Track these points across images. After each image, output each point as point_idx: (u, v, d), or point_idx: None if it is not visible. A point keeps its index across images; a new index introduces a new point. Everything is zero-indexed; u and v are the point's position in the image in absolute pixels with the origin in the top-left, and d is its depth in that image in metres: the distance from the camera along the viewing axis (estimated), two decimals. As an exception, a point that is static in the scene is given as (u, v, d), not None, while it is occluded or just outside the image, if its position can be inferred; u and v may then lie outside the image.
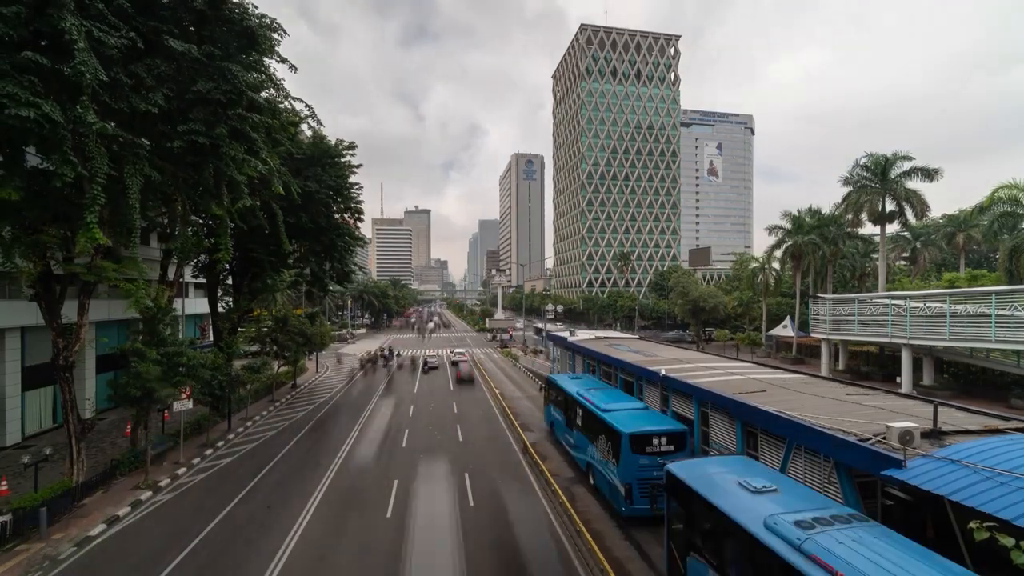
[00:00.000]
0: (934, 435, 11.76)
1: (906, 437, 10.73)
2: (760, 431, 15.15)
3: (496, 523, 17.43)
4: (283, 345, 40.71)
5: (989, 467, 9.50)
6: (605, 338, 38.43)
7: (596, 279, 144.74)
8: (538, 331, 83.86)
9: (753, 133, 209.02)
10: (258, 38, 21.06)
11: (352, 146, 37.94)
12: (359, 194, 39.79)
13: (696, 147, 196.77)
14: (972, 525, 5.41)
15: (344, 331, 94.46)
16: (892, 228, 48.56)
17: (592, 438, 20.41)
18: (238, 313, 36.07)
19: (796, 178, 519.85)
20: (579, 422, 22.20)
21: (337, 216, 38.88)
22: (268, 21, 21.52)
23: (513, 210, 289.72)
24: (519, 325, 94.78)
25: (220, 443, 27.22)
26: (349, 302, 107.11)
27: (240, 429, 29.99)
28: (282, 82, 24.39)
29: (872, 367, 44.18)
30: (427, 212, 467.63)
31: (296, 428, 30.44)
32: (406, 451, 25.66)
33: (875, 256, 58.25)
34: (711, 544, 11.36)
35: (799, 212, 56.81)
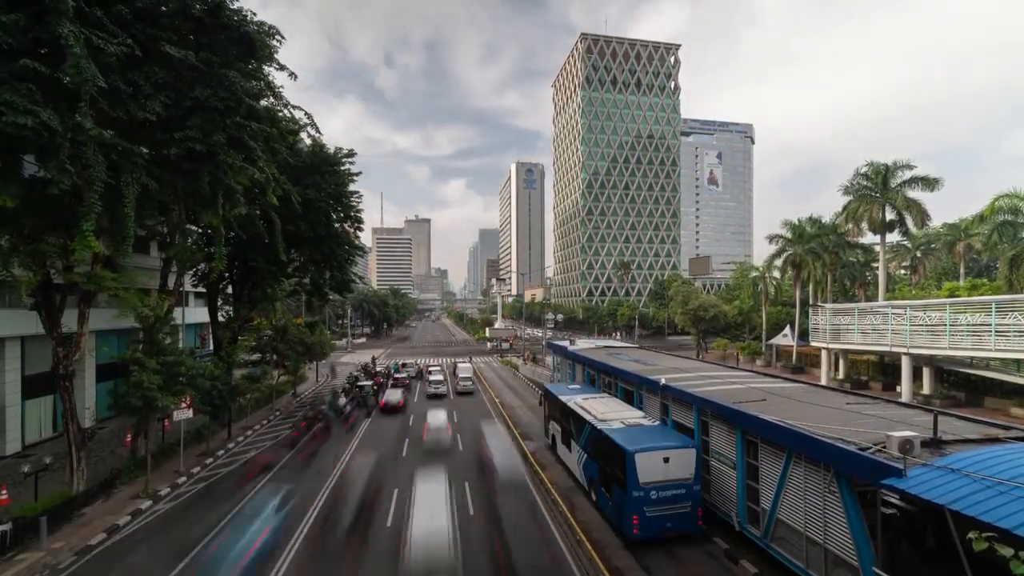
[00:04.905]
0: (934, 444, 11.71)
1: (906, 446, 10.68)
2: (760, 440, 15.11)
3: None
4: (283, 354, 40.72)
5: (989, 476, 9.47)
6: (605, 347, 38.38)
7: (596, 288, 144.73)
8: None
9: (753, 142, 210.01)
10: (257, 45, 21.01)
11: (351, 153, 37.87)
12: (359, 202, 39.81)
13: (696, 156, 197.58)
14: (971, 535, 5.40)
15: (344, 340, 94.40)
16: (892, 237, 48.57)
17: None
18: (238, 322, 36.05)
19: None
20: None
21: (337, 225, 38.85)
22: (267, 28, 21.45)
23: (513, 219, 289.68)
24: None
25: (220, 452, 27.14)
26: (349, 311, 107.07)
27: (240, 438, 29.91)
28: (281, 90, 24.36)
29: (872, 376, 44.08)
30: (427, 221, 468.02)
31: (297, 436, 30.31)
32: (407, 461, 25.56)
33: (875, 265, 58.20)
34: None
35: (799, 221, 56.89)
